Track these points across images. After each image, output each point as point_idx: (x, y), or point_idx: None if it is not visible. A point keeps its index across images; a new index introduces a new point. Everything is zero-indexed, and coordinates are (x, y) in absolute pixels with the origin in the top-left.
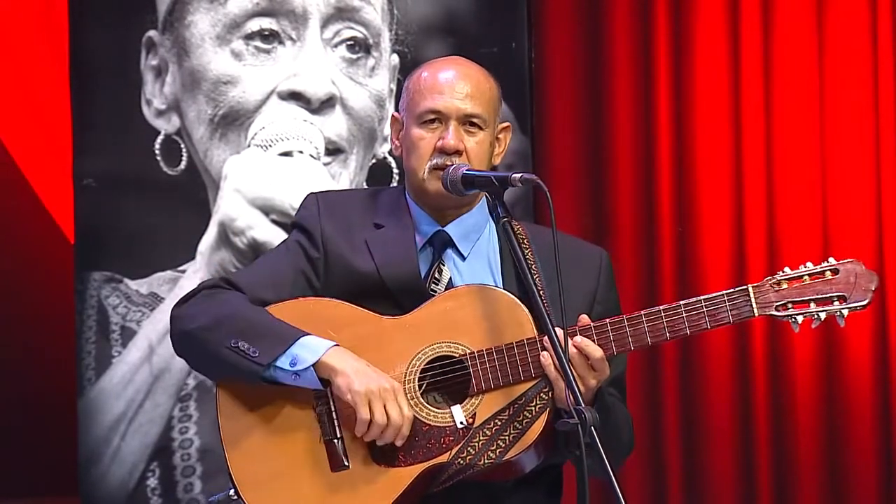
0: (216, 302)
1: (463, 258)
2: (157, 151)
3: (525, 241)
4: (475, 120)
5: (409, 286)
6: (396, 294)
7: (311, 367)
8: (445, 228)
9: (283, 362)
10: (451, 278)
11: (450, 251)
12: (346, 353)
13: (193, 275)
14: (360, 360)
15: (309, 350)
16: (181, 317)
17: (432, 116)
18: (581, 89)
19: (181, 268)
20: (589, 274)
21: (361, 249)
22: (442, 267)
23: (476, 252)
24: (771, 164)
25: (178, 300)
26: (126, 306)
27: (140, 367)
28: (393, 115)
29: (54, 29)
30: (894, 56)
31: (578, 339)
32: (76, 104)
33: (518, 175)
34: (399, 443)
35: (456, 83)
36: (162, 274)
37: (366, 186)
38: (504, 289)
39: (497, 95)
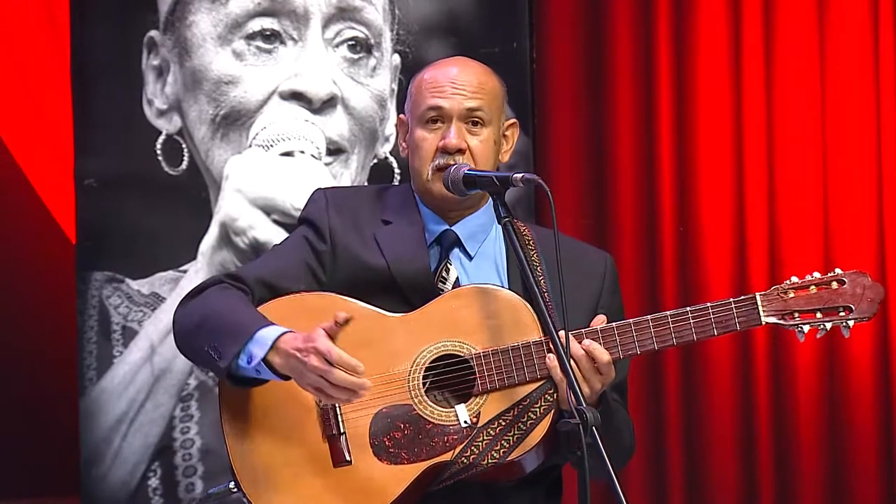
0: (205, 303)
1: (470, 258)
2: (158, 151)
3: (531, 243)
4: (477, 116)
5: (419, 282)
6: (405, 290)
7: (263, 365)
8: (453, 228)
9: (242, 360)
10: (457, 278)
11: (457, 251)
12: (284, 347)
13: (195, 275)
14: (289, 344)
15: (258, 345)
16: (178, 319)
17: (434, 115)
18: (582, 89)
19: (182, 268)
20: (593, 278)
21: (371, 244)
22: (449, 266)
23: (483, 252)
24: (772, 165)
25: (181, 299)
26: (127, 306)
27: (141, 367)
28: (399, 118)
29: (56, 29)
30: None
31: (587, 342)
32: (77, 104)
33: (519, 175)
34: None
35: (457, 80)
36: (163, 274)
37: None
38: (510, 289)
39: (501, 93)
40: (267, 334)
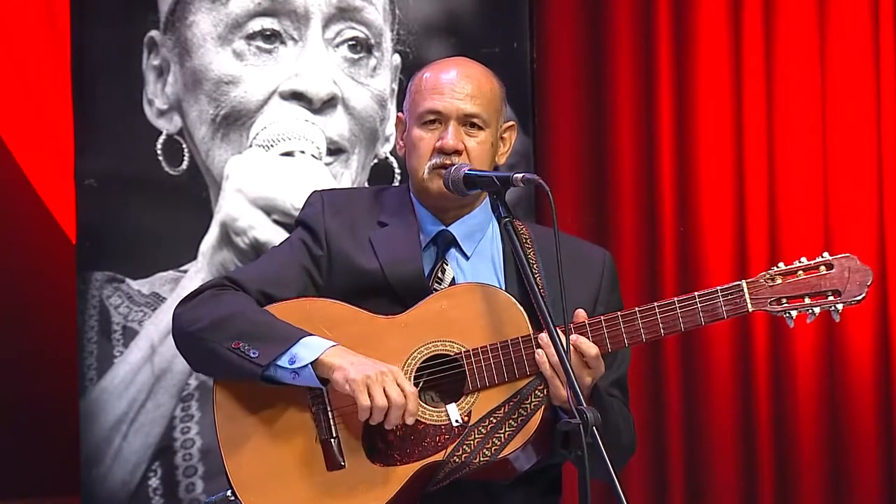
0: (219, 304)
1: (466, 258)
2: (158, 151)
3: (528, 242)
4: (475, 120)
5: (412, 285)
6: (400, 292)
7: (309, 366)
8: (449, 228)
9: (283, 361)
10: (454, 278)
11: (453, 251)
12: (345, 351)
13: (195, 275)
14: (357, 355)
15: (308, 349)
16: (184, 317)
17: (432, 117)
18: (583, 89)
19: (183, 268)
20: (591, 275)
21: (366, 247)
22: (445, 266)
23: (479, 252)
24: (773, 164)
25: (181, 299)
26: (128, 306)
27: (142, 367)
28: (397, 116)
29: (56, 29)
30: None
31: (573, 336)
32: (78, 104)
33: (520, 175)
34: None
35: (456, 83)
36: (164, 274)
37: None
38: (502, 288)
39: (500, 96)
40: (317, 341)
